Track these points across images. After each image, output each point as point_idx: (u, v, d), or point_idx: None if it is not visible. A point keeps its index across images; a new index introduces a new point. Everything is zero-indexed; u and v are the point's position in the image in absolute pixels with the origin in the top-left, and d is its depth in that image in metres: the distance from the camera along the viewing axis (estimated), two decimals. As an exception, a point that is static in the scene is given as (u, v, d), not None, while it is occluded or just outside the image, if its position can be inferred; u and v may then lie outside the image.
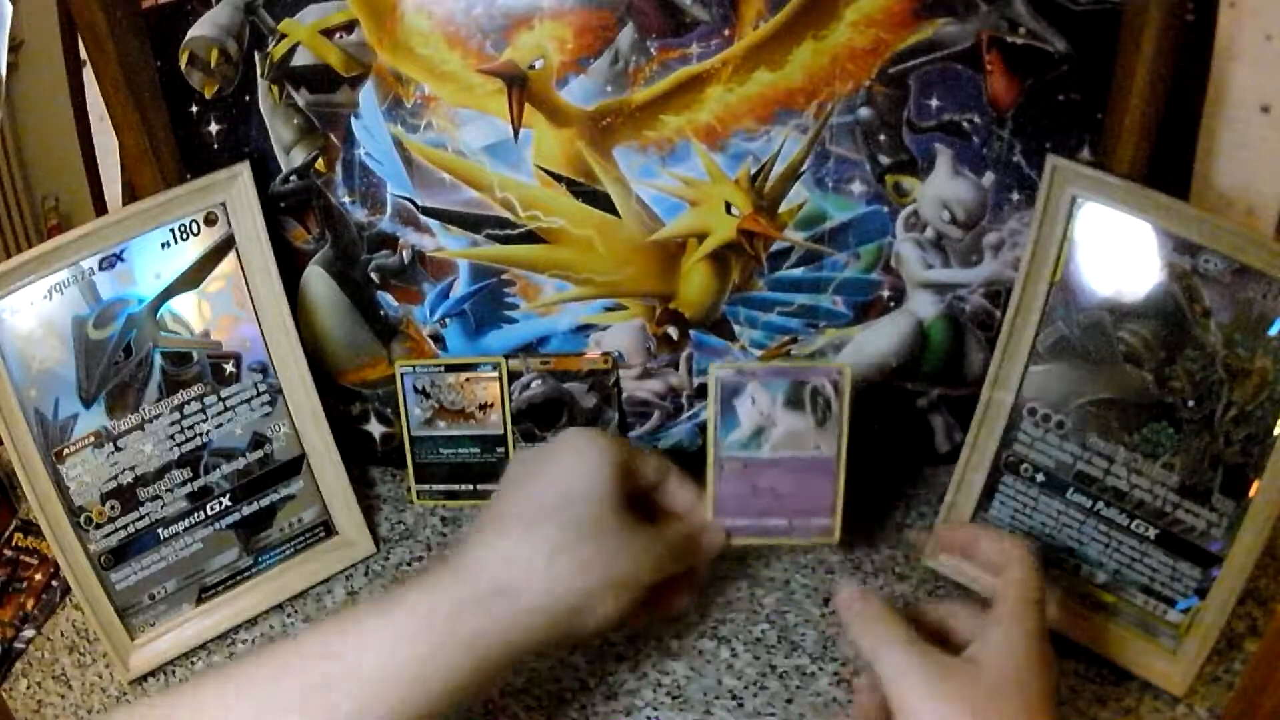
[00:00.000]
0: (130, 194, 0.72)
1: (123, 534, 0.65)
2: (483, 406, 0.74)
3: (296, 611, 0.69)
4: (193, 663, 0.66)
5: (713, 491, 0.59)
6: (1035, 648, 0.47)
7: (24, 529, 0.73)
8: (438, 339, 0.74)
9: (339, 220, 0.71)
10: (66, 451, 0.63)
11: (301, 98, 0.67)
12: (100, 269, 0.62)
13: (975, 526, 0.55)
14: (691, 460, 0.76)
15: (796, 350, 0.71)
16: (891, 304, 0.70)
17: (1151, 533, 0.60)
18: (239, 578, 0.69)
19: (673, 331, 0.72)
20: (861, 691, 0.53)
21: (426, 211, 0.69)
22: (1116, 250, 0.59)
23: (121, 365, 0.64)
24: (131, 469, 0.65)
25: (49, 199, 0.83)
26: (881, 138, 0.64)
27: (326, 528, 0.72)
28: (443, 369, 0.73)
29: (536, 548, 0.49)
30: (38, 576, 0.70)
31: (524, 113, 0.65)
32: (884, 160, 0.65)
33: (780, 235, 0.68)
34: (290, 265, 0.71)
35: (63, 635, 0.68)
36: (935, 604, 0.53)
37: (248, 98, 0.67)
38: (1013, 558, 0.51)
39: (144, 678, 0.65)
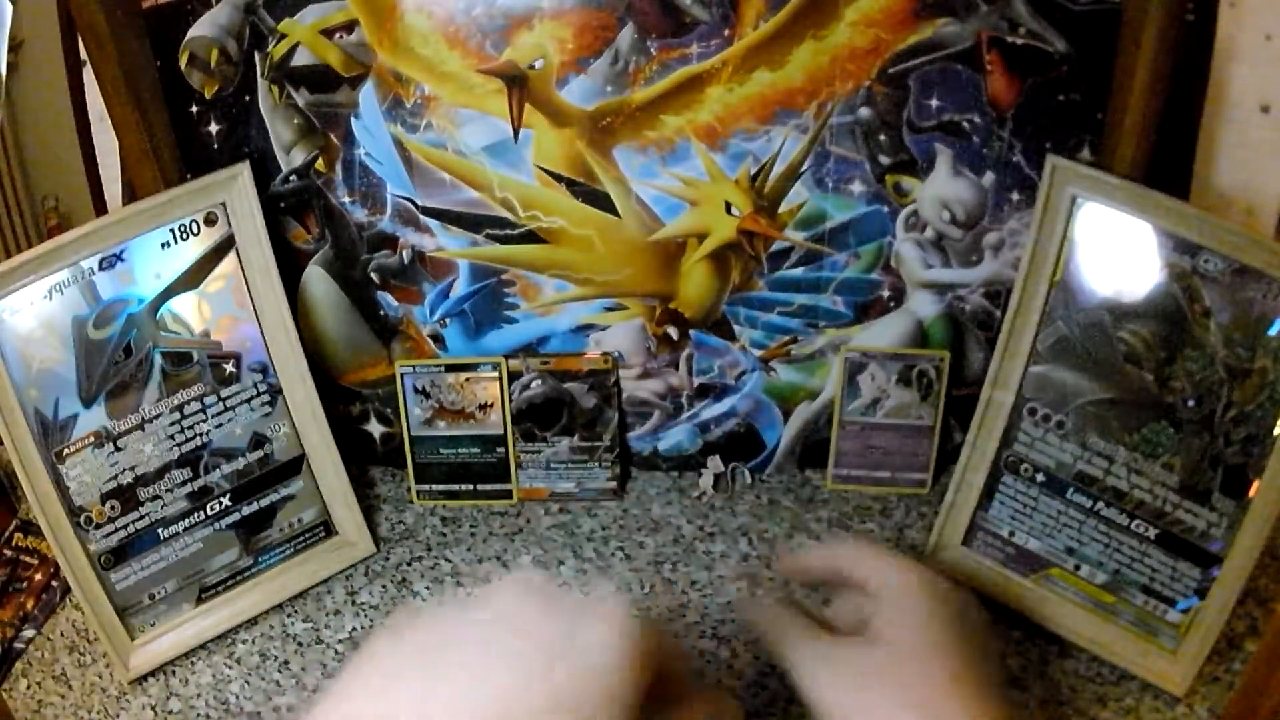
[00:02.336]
0: (130, 194, 0.72)
1: (123, 534, 0.65)
2: (483, 406, 0.74)
3: (296, 611, 0.69)
4: (193, 663, 0.66)
5: (835, 447, 0.73)
6: (938, 616, 0.45)
7: (24, 529, 0.73)
8: (438, 339, 0.74)
9: (339, 220, 0.71)
10: (66, 451, 0.63)
11: (301, 98, 0.67)
12: (100, 269, 0.62)
13: (809, 555, 0.53)
14: (691, 460, 0.76)
15: (796, 350, 0.71)
16: (891, 304, 0.70)
17: (1151, 533, 0.60)
18: (239, 578, 0.69)
19: (673, 331, 0.72)
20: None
21: (426, 211, 0.69)
22: (1116, 250, 0.59)
23: (121, 365, 0.64)
24: (131, 469, 0.65)
25: (49, 199, 0.83)
26: (881, 138, 0.64)
27: (326, 528, 0.72)
28: (443, 369, 0.73)
29: None
30: (38, 576, 0.70)
31: (524, 113, 0.65)
32: (884, 160, 0.65)
33: (780, 235, 0.68)
34: (290, 265, 0.71)
35: (63, 635, 0.68)
36: (814, 557, 0.53)
37: (248, 98, 0.67)
38: (858, 550, 0.50)
39: (144, 678, 0.65)
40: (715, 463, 0.76)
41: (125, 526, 0.65)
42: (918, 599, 0.46)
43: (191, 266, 0.65)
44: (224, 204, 0.65)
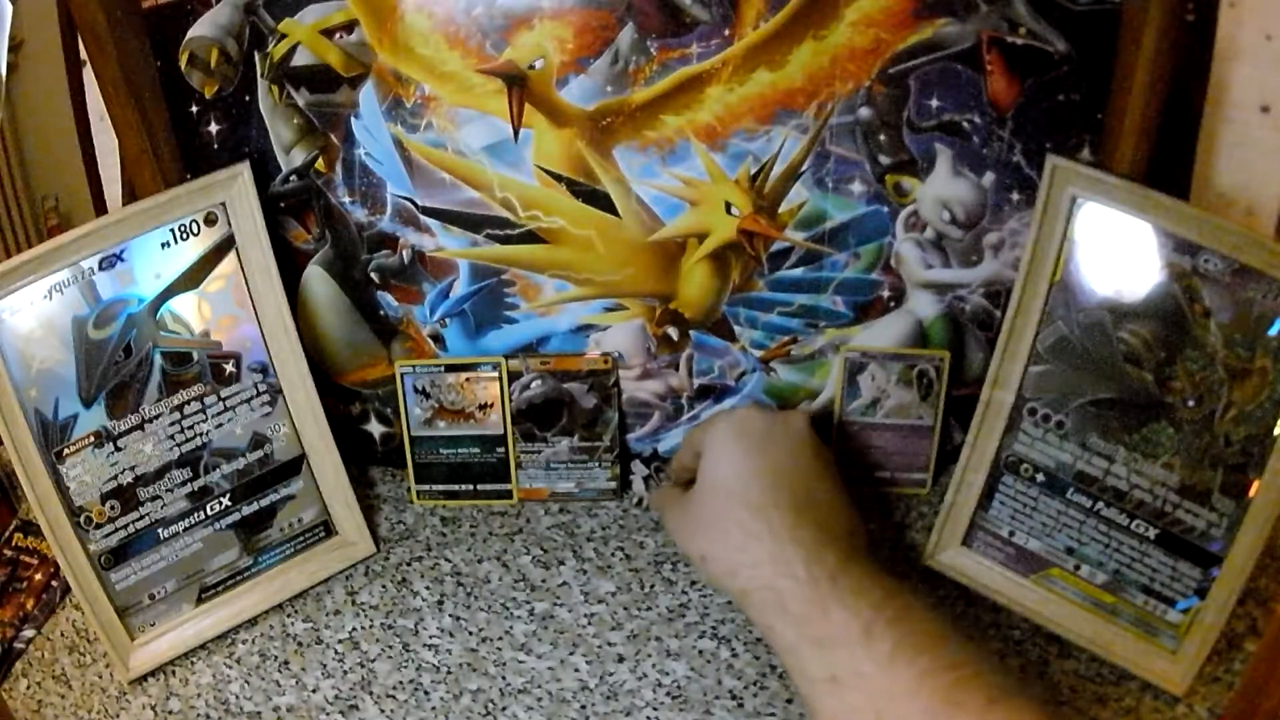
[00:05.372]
0: (130, 194, 0.72)
1: (123, 534, 0.65)
2: (483, 406, 0.74)
3: (296, 611, 0.69)
4: (192, 663, 0.66)
5: (835, 447, 0.72)
6: (740, 463, 0.58)
7: (24, 529, 0.73)
8: (438, 339, 0.74)
9: (339, 220, 0.71)
10: (66, 451, 0.63)
11: (301, 98, 0.67)
12: (100, 269, 0.62)
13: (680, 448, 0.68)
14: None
15: (797, 351, 0.71)
16: (891, 304, 0.70)
17: (1151, 533, 0.60)
18: (239, 578, 0.69)
19: (673, 332, 0.72)
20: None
21: (426, 211, 0.69)
22: (1116, 250, 0.59)
23: (121, 365, 0.64)
24: (131, 469, 0.65)
25: (49, 199, 0.83)
26: (881, 138, 0.64)
27: (326, 528, 0.72)
28: (443, 369, 0.73)
29: None
30: (38, 576, 0.70)
31: (524, 113, 0.65)
32: (884, 160, 0.65)
33: (780, 235, 0.68)
34: (290, 265, 0.71)
35: (63, 635, 0.68)
36: (680, 456, 0.67)
37: (248, 98, 0.67)
38: (700, 425, 0.67)
39: (144, 678, 0.65)
40: (639, 467, 0.76)
41: (125, 526, 0.65)
42: (717, 444, 0.59)
43: (191, 266, 0.65)
44: (224, 204, 0.65)
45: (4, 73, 0.77)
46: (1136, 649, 0.61)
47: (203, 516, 0.67)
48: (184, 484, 0.67)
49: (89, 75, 0.74)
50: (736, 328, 0.71)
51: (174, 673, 0.66)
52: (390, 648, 0.66)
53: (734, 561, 0.55)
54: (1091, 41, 0.60)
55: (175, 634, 0.67)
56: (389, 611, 0.69)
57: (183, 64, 0.66)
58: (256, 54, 0.66)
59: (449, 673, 0.64)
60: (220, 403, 0.67)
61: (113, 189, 0.78)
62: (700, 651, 0.64)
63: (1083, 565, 0.63)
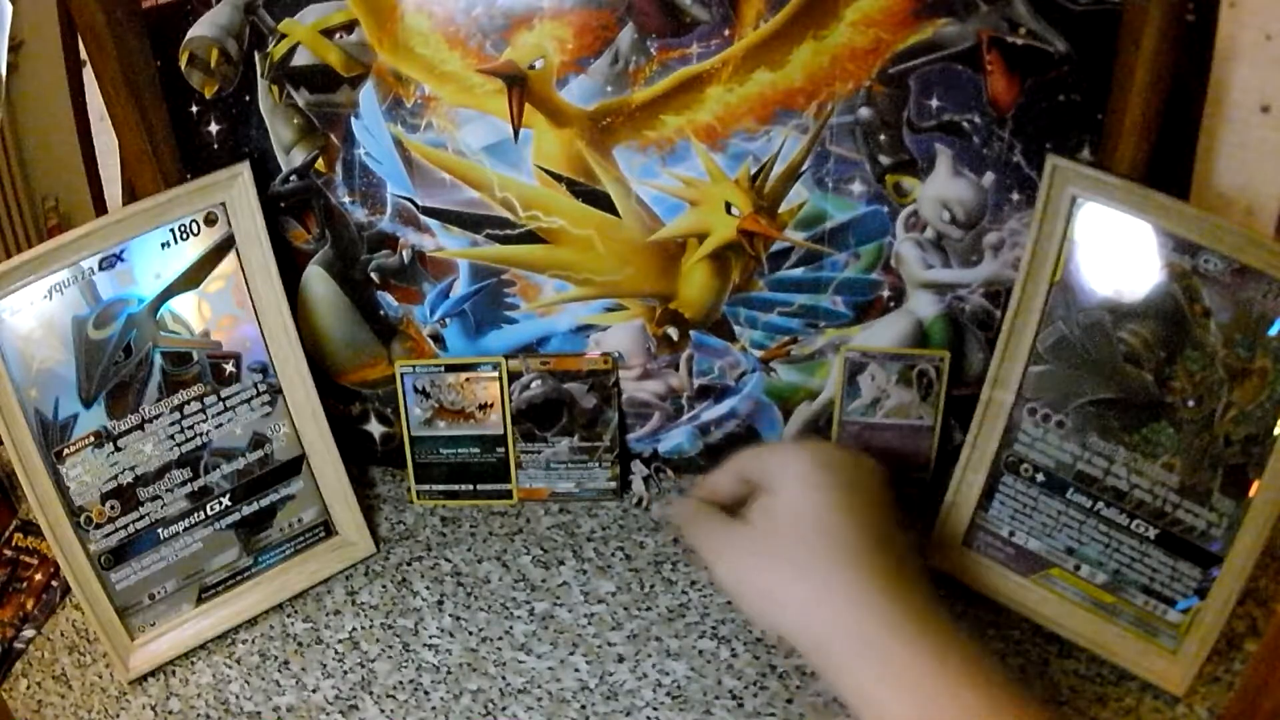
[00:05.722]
0: (130, 194, 0.72)
1: (123, 534, 0.65)
2: (483, 406, 0.74)
3: (296, 611, 0.69)
4: (193, 663, 0.66)
5: None
6: (818, 488, 0.52)
7: (24, 529, 0.73)
8: (438, 339, 0.74)
9: (339, 220, 0.71)
10: (66, 451, 0.63)
11: (301, 98, 0.67)
12: (100, 269, 0.62)
13: (717, 474, 0.58)
14: (690, 462, 0.76)
15: (797, 351, 0.71)
16: (891, 304, 0.70)
17: (1151, 533, 0.60)
18: (239, 578, 0.69)
19: (673, 332, 0.72)
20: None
21: (426, 211, 0.69)
22: (1116, 250, 0.59)
23: (121, 365, 0.64)
24: (131, 469, 0.65)
25: (49, 199, 0.83)
26: (881, 138, 0.64)
27: (326, 528, 0.72)
28: (443, 369, 0.73)
29: None
30: (38, 576, 0.70)
31: (524, 113, 0.65)
32: (884, 160, 0.65)
33: (780, 235, 0.68)
34: (290, 265, 0.71)
35: (63, 635, 0.68)
36: (716, 483, 0.58)
37: (248, 98, 0.67)
38: (755, 451, 0.57)
39: (144, 678, 0.65)
40: (639, 467, 0.76)
41: (125, 526, 0.65)
42: (798, 477, 0.53)
43: (191, 266, 0.65)
44: (224, 204, 0.65)
45: (4, 73, 0.77)
46: (1136, 649, 0.61)
47: (203, 516, 0.67)
48: (184, 484, 0.67)
49: (89, 75, 0.74)
50: (736, 328, 0.71)
51: (174, 673, 0.66)
52: (390, 648, 0.66)
53: (806, 598, 0.50)
54: (1091, 41, 0.60)
55: (175, 634, 0.67)
56: (389, 611, 0.69)
57: (183, 64, 0.66)
58: (256, 54, 0.66)
59: (449, 673, 0.64)
60: (220, 403, 0.67)
61: (113, 189, 0.78)
62: (700, 651, 0.64)
63: (1083, 565, 0.63)
